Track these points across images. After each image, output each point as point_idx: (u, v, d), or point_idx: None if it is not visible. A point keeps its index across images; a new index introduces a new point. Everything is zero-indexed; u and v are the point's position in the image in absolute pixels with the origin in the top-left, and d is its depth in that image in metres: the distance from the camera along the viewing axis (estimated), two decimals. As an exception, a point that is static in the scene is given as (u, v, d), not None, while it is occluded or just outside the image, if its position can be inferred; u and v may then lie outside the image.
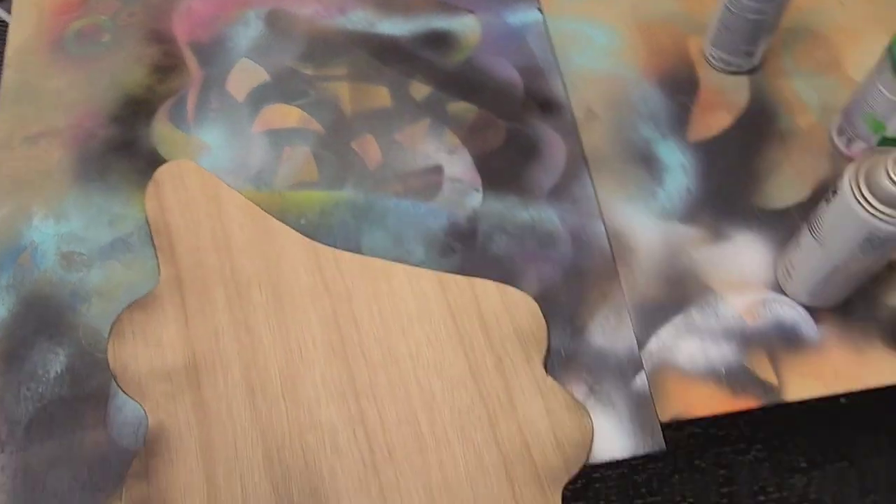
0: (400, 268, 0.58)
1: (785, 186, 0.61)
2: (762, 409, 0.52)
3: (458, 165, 0.63)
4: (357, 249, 0.60)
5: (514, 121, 0.65)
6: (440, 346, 0.55)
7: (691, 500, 1.09)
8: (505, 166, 0.63)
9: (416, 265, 0.59)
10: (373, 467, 0.52)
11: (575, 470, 0.51)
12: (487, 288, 0.57)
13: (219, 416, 0.54)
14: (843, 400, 1.15)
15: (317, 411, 0.54)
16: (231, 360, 0.55)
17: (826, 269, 0.51)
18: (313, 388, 0.54)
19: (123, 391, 0.55)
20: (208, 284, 0.58)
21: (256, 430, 0.53)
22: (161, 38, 0.70)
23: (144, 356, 0.56)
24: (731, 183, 0.62)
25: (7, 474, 0.53)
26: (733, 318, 0.56)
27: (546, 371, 0.54)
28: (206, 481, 0.52)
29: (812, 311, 0.56)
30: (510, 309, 0.56)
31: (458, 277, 0.57)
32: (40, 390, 0.56)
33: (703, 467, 1.11)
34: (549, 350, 0.55)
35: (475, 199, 0.61)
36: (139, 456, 0.52)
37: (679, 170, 0.62)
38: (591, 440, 0.52)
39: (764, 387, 0.54)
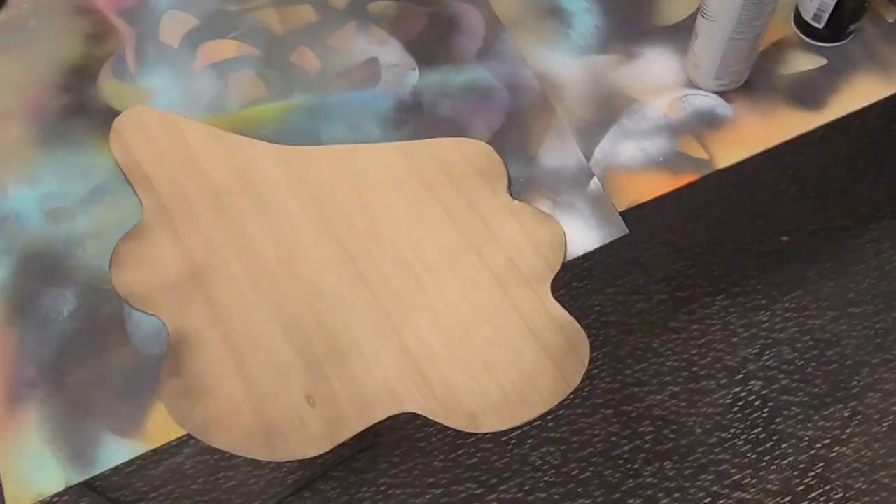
0: (362, 146, 0.63)
1: (678, 2, 0.70)
2: (700, 182, 0.60)
3: (390, 53, 0.69)
4: (318, 144, 0.65)
5: (431, 5, 0.71)
6: (414, 201, 0.61)
7: (674, 359, 1.18)
8: (433, 44, 0.69)
9: (373, 141, 0.65)
10: (382, 311, 0.57)
11: (557, 267, 0.58)
12: (443, 144, 0.63)
13: (231, 308, 0.58)
14: (784, 238, 1.26)
15: (319, 281, 0.59)
16: (229, 259, 0.60)
17: (723, 45, 0.59)
18: (311, 264, 0.59)
19: (137, 309, 0.59)
20: (190, 203, 0.62)
21: (269, 310, 0.58)
22: (87, 10, 0.74)
23: (148, 276, 0.60)
24: (632, 11, 0.69)
25: (49, 405, 0.56)
26: (659, 117, 0.64)
27: (511, 196, 0.60)
28: (235, 362, 0.57)
29: (723, 95, 0.64)
30: (467, 156, 0.62)
31: (416, 142, 0.63)
32: (58, 329, 0.59)
33: (677, 328, 1.20)
34: (510, 180, 0.61)
35: (413, 77, 0.68)
36: (168, 357, 0.57)
37: (584, 13, 0.70)
38: (564, 240, 0.58)
39: (697, 162, 0.61)
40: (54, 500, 1.06)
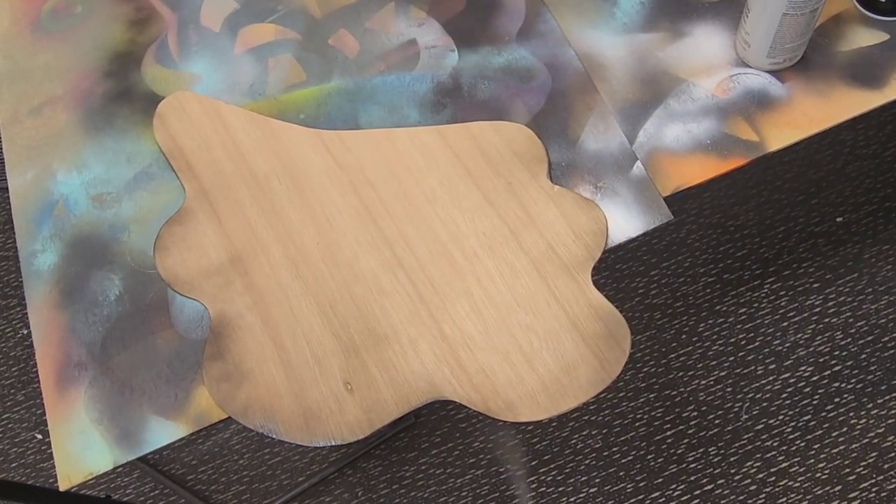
0: (400, 131, 0.63)
1: (727, -20, 0.67)
2: (750, 165, 0.58)
3: (429, 34, 0.68)
4: (357, 128, 0.65)
5: (470, -15, 0.70)
6: (452, 185, 0.60)
7: (720, 343, 1.15)
8: (472, 24, 0.68)
9: (413, 125, 0.64)
10: (419, 297, 0.57)
11: (598, 254, 0.56)
12: (483, 127, 0.62)
13: (271, 292, 0.59)
14: (839, 219, 1.21)
15: (357, 266, 0.59)
16: (269, 244, 0.60)
17: (777, 21, 0.56)
18: (349, 248, 0.59)
19: (180, 294, 0.60)
20: (231, 188, 0.63)
21: (308, 295, 0.58)
22: (130, -4, 0.75)
23: (191, 260, 0.61)
24: (679, -12, 0.67)
25: (97, 386, 0.58)
26: (707, 97, 0.61)
27: (552, 181, 0.59)
28: (275, 346, 0.57)
29: (776, 74, 0.61)
30: (507, 139, 0.61)
31: (455, 125, 0.62)
32: (105, 313, 0.61)
33: (724, 311, 1.17)
34: (550, 165, 0.60)
35: (452, 59, 0.66)
36: (210, 341, 0.57)
37: (629, -11, 0.67)
38: (606, 227, 0.57)
39: (747, 145, 0.59)
40: (105, 476, 1.10)
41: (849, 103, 0.59)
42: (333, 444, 0.54)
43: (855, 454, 1.06)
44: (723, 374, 1.13)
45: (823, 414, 1.09)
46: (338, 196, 0.61)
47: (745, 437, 1.08)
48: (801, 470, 1.06)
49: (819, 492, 1.04)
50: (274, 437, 0.54)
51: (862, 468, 1.05)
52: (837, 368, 1.11)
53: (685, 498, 1.06)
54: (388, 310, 0.57)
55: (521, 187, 0.59)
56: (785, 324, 1.15)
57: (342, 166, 0.62)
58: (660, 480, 1.07)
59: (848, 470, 1.05)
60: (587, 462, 1.09)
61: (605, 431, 1.11)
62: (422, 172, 0.61)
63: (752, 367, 1.13)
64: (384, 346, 0.56)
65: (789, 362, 1.12)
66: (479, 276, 0.57)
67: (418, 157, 0.62)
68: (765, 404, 1.10)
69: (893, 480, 1.04)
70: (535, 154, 0.60)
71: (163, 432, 0.56)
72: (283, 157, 0.63)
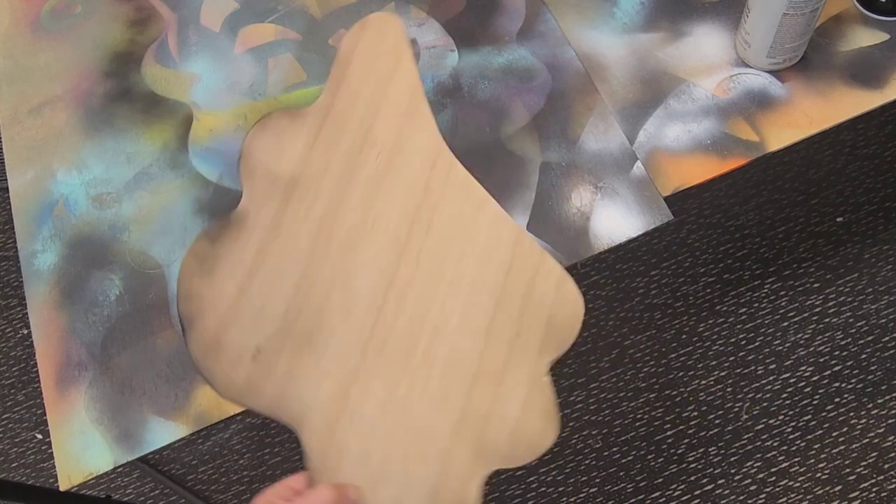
0: (493, 205, 0.58)
1: (727, -20, 0.67)
2: (750, 165, 0.58)
3: (429, 34, 0.68)
4: (357, 127, 0.65)
5: (470, -15, 0.70)
6: (479, 290, 0.56)
7: (720, 343, 1.15)
8: (472, 24, 0.68)
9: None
10: (363, 349, 0.54)
11: (510, 466, 0.52)
12: (552, 267, 0.56)
13: (286, 233, 0.56)
14: (839, 219, 1.21)
15: (353, 280, 0.57)
16: (322, 196, 0.57)
17: (777, 21, 0.56)
18: (362, 260, 0.58)
19: (239, 171, 0.58)
20: (344, 128, 0.60)
21: (303, 262, 0.56)
22: (130, -4, 0.75)
23: (269, 152, 0.58)
24: (679, -12, 0.67)
25: (97, 386, 0.58)
26: (707, 97, 0.61)
27: (548, 372, 0.54)
28: (247, 273, 0.55)
29: (776, 74, 0.61)
30: (558, 298, 0.55)
31: (535, 242, 0.57)
32: (105, 313, 0.61)
33: (724, 311, 1.17)
34: (558, 362, 0.55)
35: (452, 59, 0.66)
36: (219, 221, 0.56)
37: (629, -11, 0.67)
38: (544, 451, 0.52)
39: (747, 145, 0.59)
40: (104, 476, 1.10)
41: (849, 103, 0.59)
42: (206, 384, 0.53)
43: (855, 454, 1.06)
44: (723, 374, 1.13)
45: (824, 414, 1.09)
46: (398, 212, 0.58)
47: (746, 437, 1.08)
48: (802, 470, 1.06)
49: (819, 492, 1.04)
50: (185, 339, 0.53)
51: (862, 468, 1.05)
52: (838, 368, 1.11)
53: (685, 498, 1.06)
54: (336, 333, 0.55)
55: (522, 349, 0.54)
56: (785, 324, 1.15)
57: (427, 190, 0.59)
58: (660, 480, 1.07)
59: (848, 470, 1.05)
60: (587, 462, 1.09)
61: (605, 431, 1.11)
62: (471, 254, 0.56)
63: (753, 367, 1.13)
64: (304, 355, 0.55)
65: (789, 362, 1.12)
66: (415, 382, 0.53)
67: (483, 237, 0.57)
68: (765, 404, 1.10)
69: (893, 480, 1.04)
70: (563, 334, 0.55)
71: (163, 432, 0.56)
72: (401, 140, 0.58)
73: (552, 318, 0.54)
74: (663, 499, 1.06)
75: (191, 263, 0.56)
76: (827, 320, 1.15)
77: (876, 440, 1.06)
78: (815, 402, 1.10)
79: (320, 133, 0.60)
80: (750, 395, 1.11)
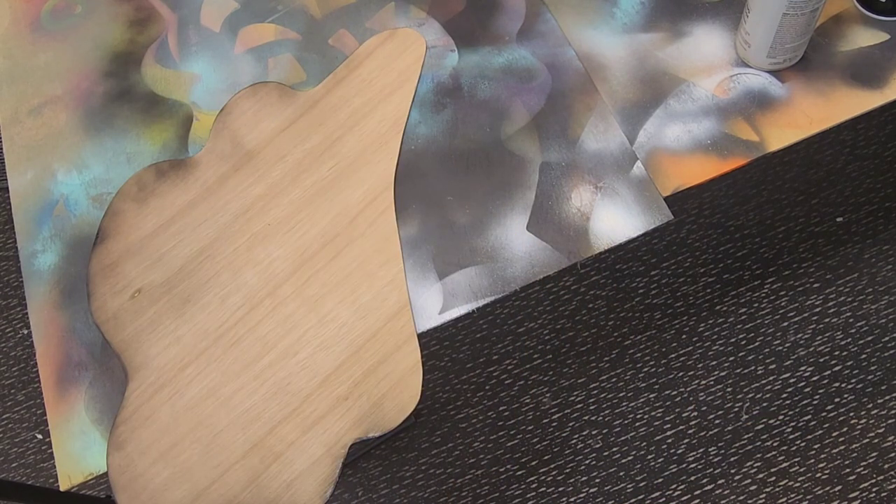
0: (397, 267, 0.57)
1: (727, -20, 0.67)
2: (750, 165, 0.58)
3: (429, 34, 0.68)
4: (357, 127, 0.65)
5: (470, -15, 0.70)
6: (340, 339, 0.56)
7: (720, 343, 1.15)
8: (472, 24, 0.68)
9: (413, 125, 0.64)
10: (218, 337, 0.56)
11: None
12: (412, 352, 0.56)
13: (218, 199, 0.60)
14: (839, 219, 1.21)
15: (245, 270, 0.58)
16: (265, 181, 0.60)
17: (778, 21, 0.56)
18: (263, 256, 0.58)
19: (214, 122, 0.62)
20: (319, 127, 0.61)
21: (216, 233, 0.59)
22: (130, -4, 0.75)
23: (245, 120, 0.62)
24: (679, -12, 0.67)
25: (97, 386, 0.58)
26: (707, 98, 0.61)
27: (350, 444, 0.55)
28: (170, 219, 0.58)
29: (776, 74, 0.61)
30: (399, 384, 0.55)
31: (412, 321, 0.56)
32: (106, 313, 0.60)
33: (724, 311, 1.17)
34: (372, 441, 0.55)
35: (452, 59, 0.66)
36: (173, 161, 0.62)
37: (629, -11, 0.67)
38: None
39: (747, 145, 0.59)
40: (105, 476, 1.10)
41: (849, 103, 0.59)
42: (85, 299, 0.57)
43: (855, 454, 1.06)
44: (723, 374, 1.13)
45: (823, 414, 1.09)
46: (322, 226, 0.59)
47: (745, 437, 1.08)
48: (802, 470, 1.06)
49: (819, 492, 1.04)
50: (91, 251, 0.58)
51: (862, 468, 1.05)
52: (837, 368, 1.11)
53: (685, 498, 1.06)
54: (205, 310, 0.57)
55: (341, 412, 0.55)
56: (785, 324, 1.15)
57: (353, 221, 0.59)
58: (660, 480, 1.07)
59: (848, 470, 1.05)
60: (587, 462, 1.09)
61: (605, 431, 1.11)
62: (351, 303, 0.57)
63: (753, 367, 1.13)
64: (171, 316, 0.57)
65: (789, 362, 1.12)
66: (242, 390, 0.55)
67: (370, 293, 0.57)
68: (765, 404, 1.10)
69: (893, 480, 1.04)
70: (380, 422, 0.54)
71: (163, 432, 0.56)
72: (355, 164, 0.60)
73: (382, 400, 0.54)
74: (663, 499, 1.06)
75: (131, 186, 0.60)
76: (827, 320, 1.15)
77: (876, 440, 1.06)
78: (814, 402, 1.10)
79: (296, 122, 0.61)
80: (750, 395, 1.11)
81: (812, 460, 1.06)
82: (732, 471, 1.07)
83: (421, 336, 0.57)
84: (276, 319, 0.57)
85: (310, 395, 0.54)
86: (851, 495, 1.04)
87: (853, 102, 0.59)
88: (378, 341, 0.55)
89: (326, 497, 0.52)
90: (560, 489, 1.08)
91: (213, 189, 0.60)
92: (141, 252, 0.59)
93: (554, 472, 1.09)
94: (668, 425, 1.10)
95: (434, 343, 1.18)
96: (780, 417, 1.09)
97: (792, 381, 1.11)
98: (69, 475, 0.56)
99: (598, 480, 1.08)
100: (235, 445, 0.54)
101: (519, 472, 1.10)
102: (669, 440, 1.09)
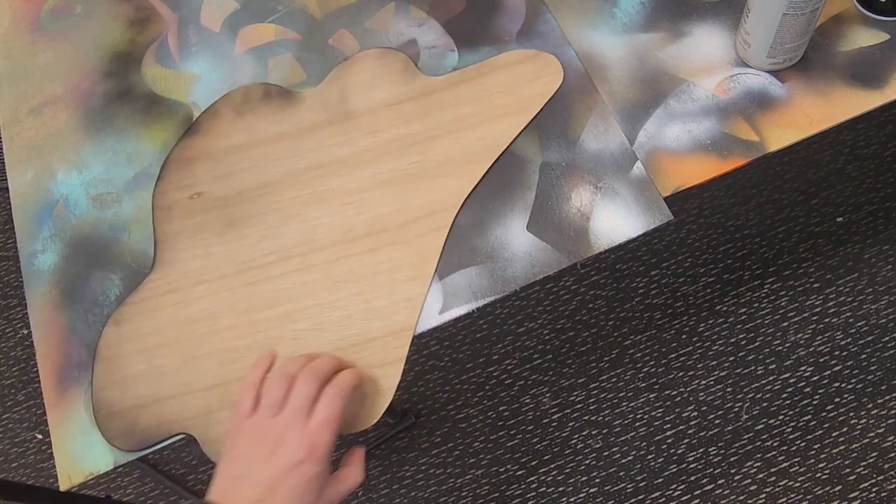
0: (421, 289, 0.57)
1: (727, -20, 0.67)
2: (750, 165, 0.58)
3: (430, 34, 0.68)
4: (357, 127, 0.65)
5: (470, -15, 0.70)
6: (339, 333, 0.57)
7: (720, 343, 1.15)
8: (472, 24, 0.68)
9: (414, 125, 0.64)
10: (240, 269, 0.59)
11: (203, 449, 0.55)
12: (392, 375, 0.55)
13: (313, 140, 0.62)
14: (839, 219, 1.21)
15: (291, 222, 0.60)
16: (362, 139, 0.62)
17: (778, 21, 0.56)
18: (318, 214, 0.60)
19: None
20: (427, 118, 0.62)
21: (286, 174, 0.62)
22: (130, -4, 0.75)
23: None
24: (679, -12, 0.67)
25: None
26: (707, 98, 0.61)
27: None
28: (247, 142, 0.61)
29: (776, 74, 0.61)
30: (366, 402, 0.55)
31: (407, 346, 0.56)
32: (105, 313, 0.60)
33: (724, 311, 1.17)
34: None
35: (453, 59, 0.66)
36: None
37: (629, -11, 0.67)
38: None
39: (747, 145, 0.59)
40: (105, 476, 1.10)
41: (849, 103, 0.59)
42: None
43: (855, 454, 1.06)
44: (723, 374, 1.13)
45: (823, 414, 1.09)
46: (377, 214, 0.59)
47: (745, 437, 1.08)
48: (802, 470, 1.06)
49: (819, 492, 1.04)
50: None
51: (862, 468, 1.05)
52: (837, 368, 1.11)
53: (685, 498, 1.06)
54: (243, 240, 0.59)
55: None
56: (785, 324, 1.15)
57: (404, 224, 0.59)
58: (660, 480, 1.07)
59: (848, 470, 1.05)
60: (587, 462, 1.09)
61: (605, 431, 1.11)
62: (366, 301, 0.57)
63: (753, 367, 1.13)
64: (215, 227, 0.59)
65: (789, 362, 1.12)
66: (232, 330, 0.57)
67: (385, 302, 0.57)
68: (765, 404, 1.10)
69: (893, 480, 1.04)
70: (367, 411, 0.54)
71: (163, 432, 0.56)
72: (443, 167, 0.60)
73: (348, 402, 0.53)
74: (663, 499, 1.06)
75: (237, 95, 0.63)
76: (827, 320, 1.15)
77: (876, 440, 1.06)
78: (815, 402, 1.10)
79: (404, 104, 0.61)
80: (750, 395, 1.11)
81: (812, 460, 1.06)
82: (732, 471, 1.07)
83: (421, 336, 0.57)
84: (295, 281, 0.57)
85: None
86: (851, 495, 1.04)
87: (853, 102, 0.59)
88: (369, 349, 0.55)
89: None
90: (560, 489, 1.08)
91: (303, 132, 0.61)
92: (217, 160, 0.61)
93: (554, 472, 1.09)
94: (668, 425, 1.10)
95: (434, 343, 1.18)
96: (780, 417, 1.09)
97: (792, 381, 1.11)
98: (69, 475, 0.56)
99: (598, 480, 1.08)
100: (206, 375, 0.56)
101: (519, 472, 1.10)
102: (669, 440, 1.09)
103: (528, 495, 1.08)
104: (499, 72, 0.62)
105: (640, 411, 1.12)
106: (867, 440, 1.06)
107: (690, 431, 1.10)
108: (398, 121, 0.61)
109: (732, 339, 1.15)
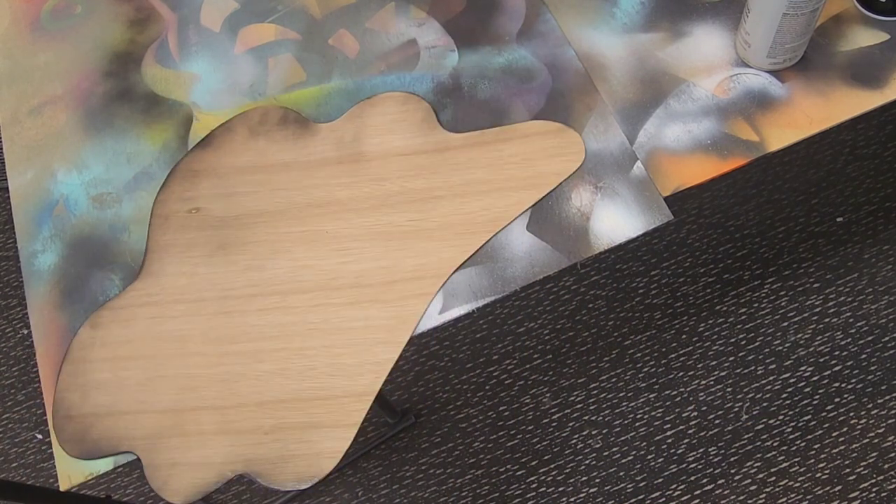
0: (391, 355, 0.56)
1: (727, -20, 0.67)
2: (750, 165, 0.58)
3: (429, 34, 0.68)
4: (357, 127, 0.65)
5: (470, -15, 0.70)
6: (313, 378, 0.56)
7: (720, 343, 1.15)
8: (472, 24, 0.68)
9: (414, 125, 0.64)
10: (218, 299, 0.57)
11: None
12: (352, 425, 0.55)
13: (319, 176, 0.61)
14: (839, 219, 1.21)
15: (280, 257, 0.59)
16: (366, 185, 0.60)
17: (778, 21, 0.56)
18: (304, 256, 0.58)
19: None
20: (436, 176, 0.60)
21: (285, 204, 0.60)
22: (130, -4, 0.75)
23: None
24: (679, -12, 0.67)
25: (96, 386, 0.58)
26: (707, 98, 0.61)
27: (226, 480, 0.55)
28: (250, 166, 0.59)
29: (776, 74, 0.61)
30: (307, 457, 0.54)
31: (372, 398, 0.56)
32: (106, 313, 0.60)
33: (724, 311, 1.17)
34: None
35: (452, 59, 0.66)
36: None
37: (629, -11, 0.67)
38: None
39: (747, 145, 0.59)
40: (105, 476, 1.10)
41: (849, 103, 0.59)
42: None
43: (855, 454, 1.06)
44: (723, 374, 1.13)
45: (823, 414, 1.09)
46: (368, 269, 0.58)
47: (745, 437, 1.08)
48: (802, 470, 1.06)
49: (819, 492, 1.04)
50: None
51: (862, 468, 1.05)
52: (837, 368, 1.11)
53: (685, 498, 1.06)
54: (230, 270, 0.58)
55: (253, 435, 0.55)
56: (785, 324, 1.15)
57: (391, 282, 0.58)
58: (660, 480, 1.07)
59: (848, 470, 1.05)
60: (587, 462, 1.09)
61: (605, 431, 1.11)
62: (339, 355, 0.57)
63: (753, 367, 1.13)
64: (209, 247, 0.58)
65: (789, 362, 1.12)
66: (216, 347, 0.56)
67: (353, 360, 0.56)
68: (765, 404, 1.10)
69: (893, 480, 1.04)
70: (276, 479, 0.53)
71: (163, 432, 0.56)
72: (442, 227, 0.59)
73: (290, 459, 0.53)
74: (663, 499, 1.06)
75: (255, 115, 0.62)
76: (827, 320, 1.15)
77: (876, 440, 1.06)
78: (814, 402, 1.10)
79: (416, 156, 0.59)
80: (750, 395, 1.11)
81: (812, 460, 1.06)
82: (732, 471, 1.07)
83: (421, 336, 0.56)
84: (270, 320, 0.57)
85: (243, 405, 0.54)
86: (851, 495, 1.04)
87: (853, 102, 0.59)
88: (327, 406, 0.54)
89: (189, 501, 0.52)
90: (560, 489, 1.08)
91: (311, 166, 0.60)
92: (222, 177, 0.60)
93: (554, 472, 1.09)
94: (668, 425, 1.10)
95: (434, 343, 1.18)
96: (780, 417, 1.09)
97: (792, 381, 1.11)
98: (69, 475, 0.56)
99: (598, 480, 1.08)
100: (164, 397, 0.56)
101: (519, 472, 1.10)
102: (669, 440, 1.09)
103: (528, 495, 1.08)
104: (520, 140, 0.59)
105: (640, 411, 1.12)
106: (867, 440, 1.06)
107: (690, 431, 1.10)
108: (407, 173, 0.60)
109: (732, 339, 1.15)
